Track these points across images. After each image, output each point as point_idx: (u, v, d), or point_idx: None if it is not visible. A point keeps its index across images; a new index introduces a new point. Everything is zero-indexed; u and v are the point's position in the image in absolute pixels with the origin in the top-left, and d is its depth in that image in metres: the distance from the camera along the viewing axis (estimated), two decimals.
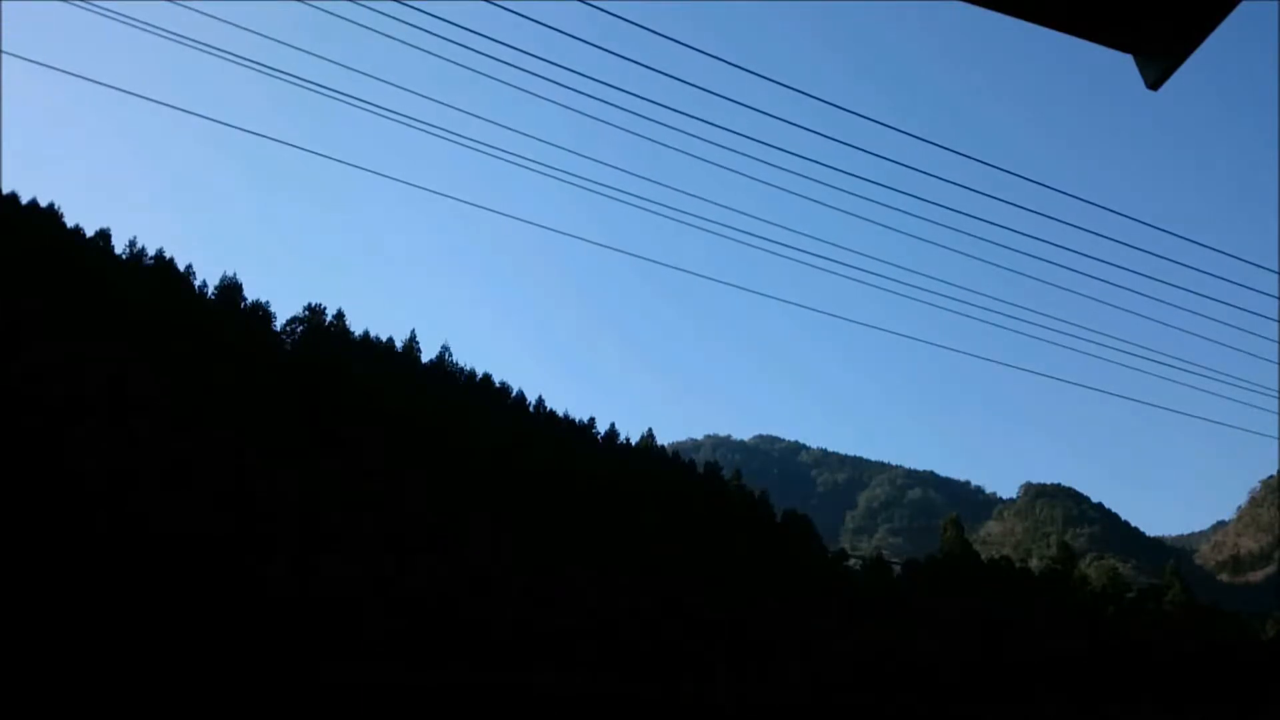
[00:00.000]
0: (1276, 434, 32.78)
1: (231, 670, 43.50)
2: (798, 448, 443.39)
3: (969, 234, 15.84)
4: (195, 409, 59.13)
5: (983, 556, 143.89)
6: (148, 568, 45.35)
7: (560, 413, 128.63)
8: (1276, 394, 22.38)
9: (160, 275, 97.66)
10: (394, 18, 11.59)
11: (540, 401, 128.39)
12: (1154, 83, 3.05)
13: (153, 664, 41.27)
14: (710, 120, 13.76)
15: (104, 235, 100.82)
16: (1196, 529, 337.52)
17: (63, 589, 41.80)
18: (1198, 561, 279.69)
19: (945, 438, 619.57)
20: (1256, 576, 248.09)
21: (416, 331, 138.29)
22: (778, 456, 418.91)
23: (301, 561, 52.25)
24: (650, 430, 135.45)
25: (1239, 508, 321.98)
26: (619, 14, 10.11)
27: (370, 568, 54.94)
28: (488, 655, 54.44)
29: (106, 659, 40.07)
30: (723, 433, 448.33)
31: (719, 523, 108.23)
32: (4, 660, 36.55)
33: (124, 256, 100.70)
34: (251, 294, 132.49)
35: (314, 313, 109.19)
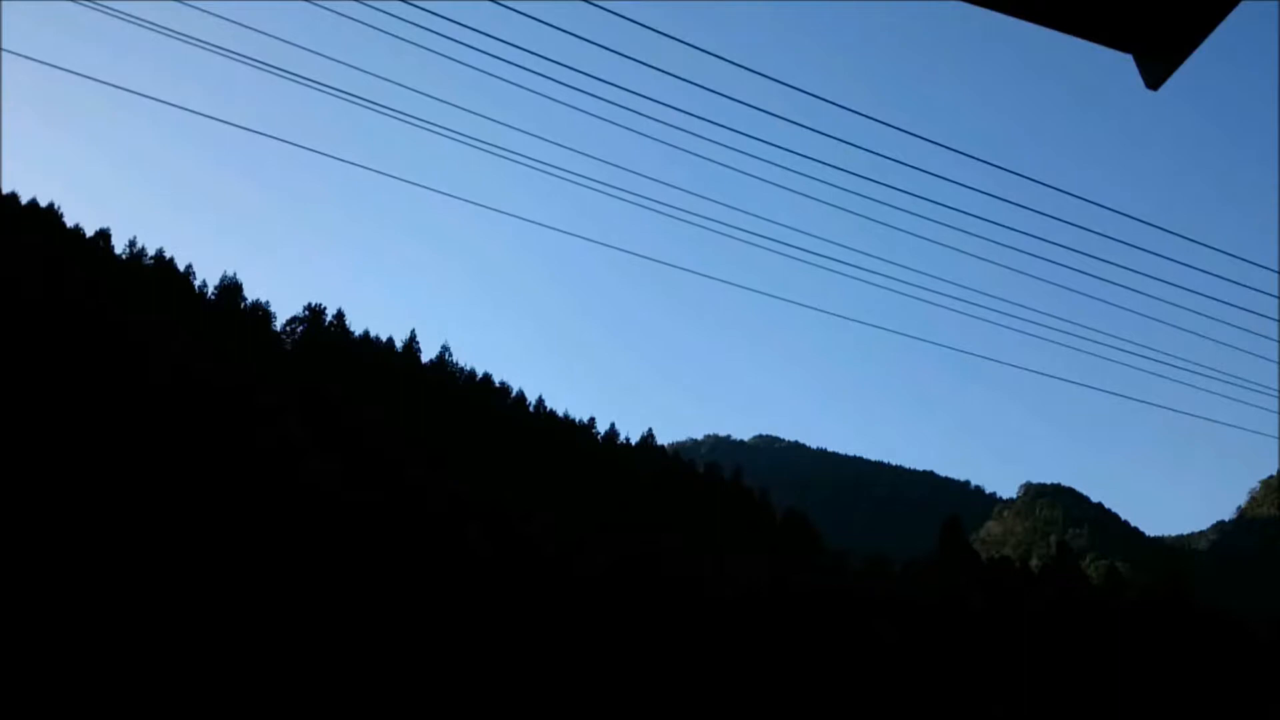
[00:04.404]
0: (1276, 434, 32.72)
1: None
2: (798, 448, 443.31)
3: (969, 233, 15.84)
4: None
5: (983, 556, 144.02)
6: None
7: (560, 413, 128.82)
8: (1276, 394, 22.33)
9: (160, 275, 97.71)
10: (395, 16, 11.61)
11: (540, 401, 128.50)
12: (1154, 83, 3.06)
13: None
14: (711, 119, 13.77)
15: (104, 235, 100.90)
16: (1196, 529, 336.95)
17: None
18: (1198, 561, 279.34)
19: (945, 438, 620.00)
20: (1255, 576, 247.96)
21: (416, 331, 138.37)
22: (778, 456, 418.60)
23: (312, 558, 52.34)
24: (650, 430, 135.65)
25: (1239, 508, 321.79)
26: (620, 13, 10.13)
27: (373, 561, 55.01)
28: (488, 654, 54.45)
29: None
30: (723, 433, 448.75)
31: (719, 522, 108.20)
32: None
33: (124, 256, 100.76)
34: (251, 294, 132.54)
35: (314, 313, 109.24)
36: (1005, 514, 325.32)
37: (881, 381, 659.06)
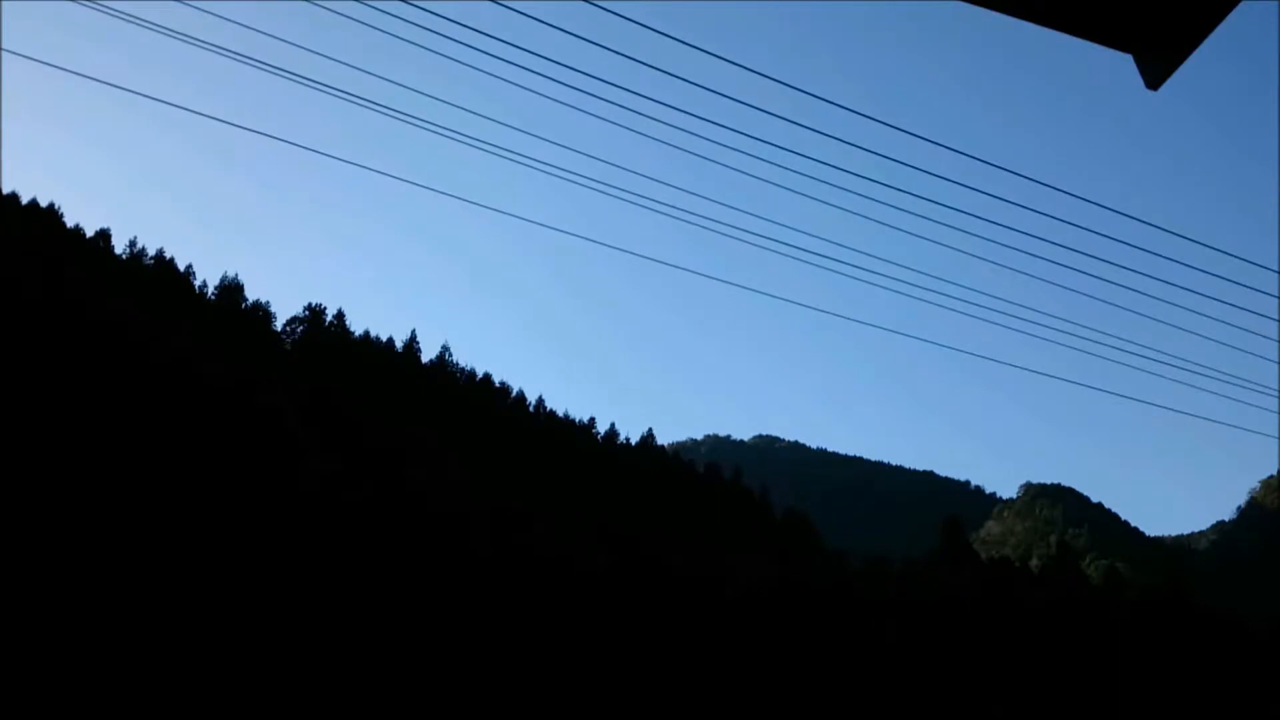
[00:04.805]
0: (1276, 434, 32.71)
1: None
2: (798, 448, 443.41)
3: (969, 233, 15.85)
4: None
5: (983, 556, 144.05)
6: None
7: (560, 413, 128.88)
8: (1276, 394, 22.31)
9: (160, 275, 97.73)
10: (396, 16, 11.61)
11: (540, 401, 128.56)
12: (1154, 83, 3.06)
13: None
14: (711, 119, 13.77)
15: (104, 235, 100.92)
16: (1196, 529, 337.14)
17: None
18: (1198, 561, 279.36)
19: (945, 438, 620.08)
20: (1255, 576, 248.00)
21: (417, 331, 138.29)
22: (778, 456, 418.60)
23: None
24: (650, 430, 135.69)
25: (1239, 508, 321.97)
26: (620, 13, 10.13)
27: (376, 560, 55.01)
28: (488, 654, 54.45)
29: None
30: (723, 433, 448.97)
31: (719, 522, 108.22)
32: None
33: (124, 256, 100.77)
34: (252, 294, 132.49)
35: (314, 313, 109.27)
36: (1005, 514, 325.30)
37: (881, 381, 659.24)
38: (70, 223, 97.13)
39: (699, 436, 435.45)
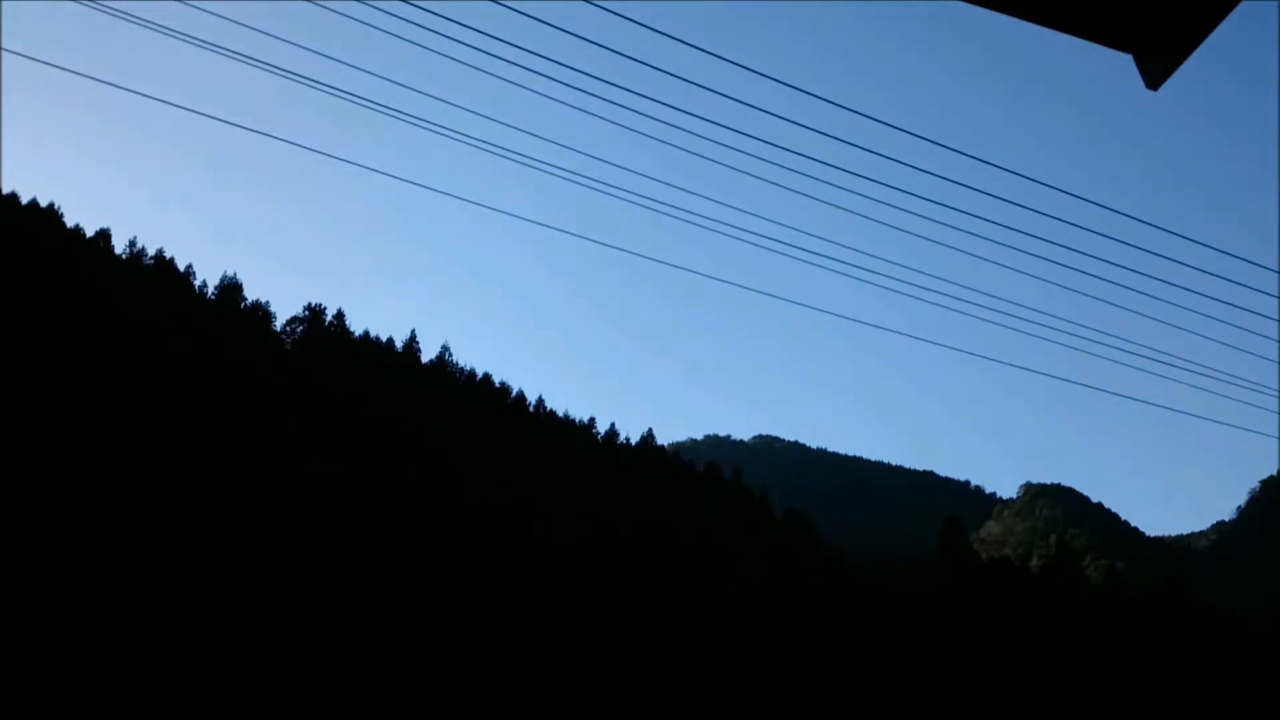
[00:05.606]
0: (1276, 434, 32.72)
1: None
2: (798, 448, 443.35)
3: (969, 233, 15.86)
4: None
5: (983, 556, 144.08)
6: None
7: (560, 413, 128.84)
8: (1276, 394, 22.32)
9: (160, 275, 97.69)
10: (396, 16, 11.61)
11: (540, 401, 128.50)
12: (1154, 83, 3.06)
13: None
14: (711, 119, 13.78)
15: (104, 235, 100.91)
16: (1196, 529, 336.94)
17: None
18: (1198, 561, 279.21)
19: (945, 438, 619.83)
20: (1255, 576, 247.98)
21: (416, 331, 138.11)
22: (778, 456, 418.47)
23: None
24: (650, 430, 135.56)
25: (1239, 508, 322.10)
26: (620, 13, 10.13)
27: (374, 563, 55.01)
28: (488, 653, 54.46)
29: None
30: (723, 433, 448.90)
31: (719, 522, 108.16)
32: None
33: (124, 256, 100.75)
34: (251, 294, 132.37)
35: (314, 313, 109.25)
36: (1005, 514, 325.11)
37: (881, 381, 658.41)
38: (70, 223, 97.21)
39: (699, 436, 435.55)
